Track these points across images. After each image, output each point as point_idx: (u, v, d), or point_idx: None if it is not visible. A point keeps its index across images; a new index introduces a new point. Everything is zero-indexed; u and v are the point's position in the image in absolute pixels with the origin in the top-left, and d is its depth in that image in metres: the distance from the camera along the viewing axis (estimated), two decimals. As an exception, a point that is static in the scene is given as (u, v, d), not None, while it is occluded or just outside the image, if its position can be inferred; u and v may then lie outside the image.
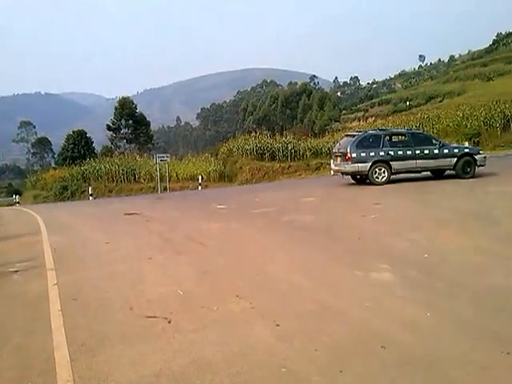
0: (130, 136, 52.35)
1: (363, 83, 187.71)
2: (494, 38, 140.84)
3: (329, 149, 26.27)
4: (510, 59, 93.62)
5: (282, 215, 10.32)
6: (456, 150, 14.74)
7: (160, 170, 23.73)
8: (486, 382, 3.02)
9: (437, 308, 4.29)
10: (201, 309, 4.68)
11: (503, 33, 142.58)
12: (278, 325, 4.13)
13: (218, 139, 78.86)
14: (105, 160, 31.55)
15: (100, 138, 57.81)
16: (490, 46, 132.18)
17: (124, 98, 53.29)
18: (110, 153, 40.52)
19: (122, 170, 27.85)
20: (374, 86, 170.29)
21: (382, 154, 14.32)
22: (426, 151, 14.52)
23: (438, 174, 15.12)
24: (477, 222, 8.10)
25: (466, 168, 14.44)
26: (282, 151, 29.42)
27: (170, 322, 4.38)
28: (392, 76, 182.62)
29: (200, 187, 23.66)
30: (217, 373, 3.37)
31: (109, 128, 52.34)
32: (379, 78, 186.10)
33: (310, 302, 4.67)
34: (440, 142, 15.03)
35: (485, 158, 15.02)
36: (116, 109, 52.18)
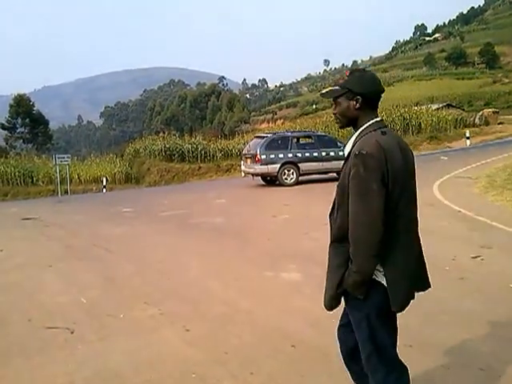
0: (27, 136, 49.02)
1: (271, 86, 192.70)
2: (393, 45, 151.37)
3: (239, 150, 26.37)
4: (408, 66, 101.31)
5: (192, 218, 10.21)
6: (359, 152, 15.50)
7: (60, 171, 22.36)
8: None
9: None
10: (106, 317, 4.47)
11: (401, 40, 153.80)
12: (187, 330, 4.05)
13: (124, 139, 76.45)
14: (-2, 161, 29.26)
15: (-7, 137, 53.50)
16: (390, 52, 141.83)
17: (20, 95, 49.85)
18: (4, 153, 37.56)
19: (19, 172, 25.88)
20: (282, 88, 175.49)
21: (290, 155, 14.68)
22: (332, 153, 15.10)
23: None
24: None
25: (369, 169, 15.19)
26: (192, 152, 29.07)
27: (72, 333, 4.14)
28: (299, 79, 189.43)
29: (105, 190, 22.66)
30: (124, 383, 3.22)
31: (3, 127, 48.63)
32: (286, 81, 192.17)
33: (220, 305, 4.64)
34: (344, 145, 15.71)
35: None
36: (11, 106, 48.70)
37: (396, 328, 2.23)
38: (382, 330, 2.13)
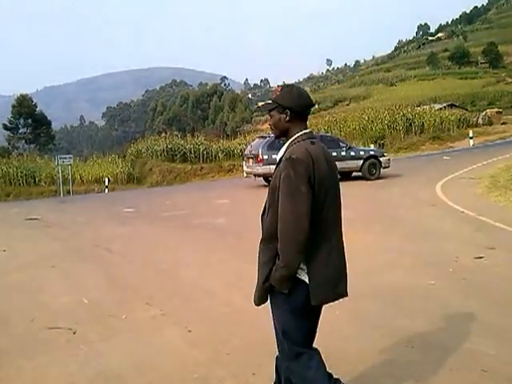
0: (30, 136, 49.09)
1: (273, 85, 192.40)
2: (396, 44, 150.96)
3: (241, 150, 26.36)
4: (411, 65, 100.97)
5: (194, 218, 10.20)
6: (362, 153, 15.43)
7: (62, 172, 22.40)
8: (392, 376, 3.16)
9: (345, 306, 4.42)
10: (108, 318, 4.47)
11: (404, 40, 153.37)
12: (189, 330, 4.04)
13: (126, 139, 76.31)
14: (1, 162, 29.28)
15: (-5, 138, 53.64)
16: (392, 52, 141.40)
17: (22, 96, 49.98)
18: (7, 154, 37.70)
19: (21, 173, 25.93)
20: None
21: (292, 156, 14.61)
22: (334, 153, 14.96)
23: (345, 176, 15.71)
24: (381, 222, 8.53)
25: (372, 170, 15.13)
26: (194, 152, 29.07)
27: (75, 333, 4.14)
28: (301, 79, 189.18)
29: (107, 190, 22.69)
30: (126, 384, 3.22)
31: (5, 127, 48.77)
32: (289, 81, 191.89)
33: (222, 306, 4.63)
34: (347, 145, 15.63)
35: (389, 159, 15.89)
36: (13, 107, 48.80)
37: (316, 325, 2.43)
38: (302, 324, 2.32)
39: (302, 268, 2.22)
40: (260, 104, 2.46)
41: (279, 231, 2.19)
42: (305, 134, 2.32)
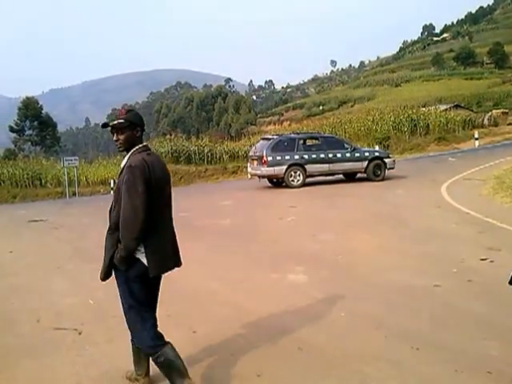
0: (36, 138, 49.33)
1: (278, 87, 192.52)
2: (401, 45, 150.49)
3: (246, 152, 26.36)
4: (415, 66, 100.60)
5: (198, 219, 10.21)
6: (367, 154, 15.38)
7: (68, 174, 22.44)
8: (397, 377, 3.15)
9: (350, 308, 4.44)
10: (113, 318, 4.47)
11: (409, 41, 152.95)
12: (194, 331, 4.05)
13: (132, 142, 76.43)
14: (7, 164, 29.36)
15: (1, 140, 53.95)
16: (397, 52, 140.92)
17: (28, 98, 50.26)
18: (13, 156, 37.88)
19: (27, 175, 25.92)
20: (289, 90, 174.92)
21: (296, 157, 14.60)
22: (339, 155, 15.01)
23: (350, 177, 15.70)
24: (386, 223, 8.52)
25: (377, 171, 15.09)
26: (199, 154, 29.04)
27: (80, 334, 4.17)
28: (305, 80, 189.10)
29: (112, 192, 22.74)
30: (131, 385, 3.22)
31: (12, 130, 49.05)
32: (293, 83, 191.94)
33: (226, 307, 4.64)
34: (351, 146, 15.60)
35: (394, 161, 15.82)
36: (19, 109, 49.06)
37: (153, 293, 3.08)
38: (138, 292, 2.92)
39: (139, 249, 2.81)
40: (112, 123, 2.89)
41: (120, 222, 2.77)
42: (142, 146, 2.94)
